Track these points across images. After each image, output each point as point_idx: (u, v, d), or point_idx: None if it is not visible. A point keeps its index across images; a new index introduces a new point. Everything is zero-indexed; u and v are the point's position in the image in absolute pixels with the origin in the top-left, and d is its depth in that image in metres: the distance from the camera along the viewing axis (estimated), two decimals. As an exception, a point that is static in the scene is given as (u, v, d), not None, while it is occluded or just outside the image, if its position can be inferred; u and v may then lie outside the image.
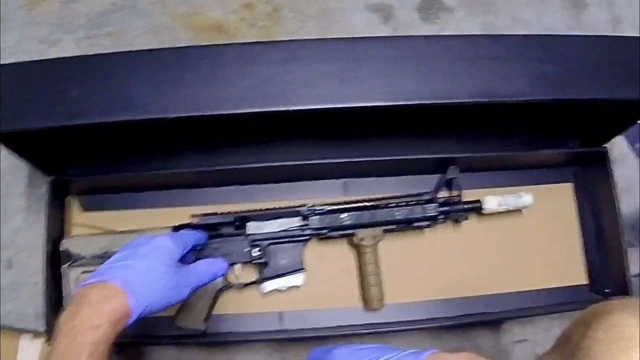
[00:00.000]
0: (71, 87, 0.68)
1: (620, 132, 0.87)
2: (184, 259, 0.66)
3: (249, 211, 0.81)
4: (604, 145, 0.87)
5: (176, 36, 0.87)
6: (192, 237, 0.71)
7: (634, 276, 0.85)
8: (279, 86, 0.67)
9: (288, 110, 0.67)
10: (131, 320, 0.54)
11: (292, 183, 0.86)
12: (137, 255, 0.59)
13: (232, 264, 0.79)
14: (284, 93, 0.67)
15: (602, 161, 0.86)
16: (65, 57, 0.75)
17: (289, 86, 0.67)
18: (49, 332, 0.76)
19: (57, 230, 0.82)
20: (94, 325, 0.51)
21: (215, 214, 0.80)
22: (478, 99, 0.68)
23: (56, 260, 0.80)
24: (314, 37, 0.73)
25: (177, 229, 0.79)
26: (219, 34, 0.86)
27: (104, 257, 0.79)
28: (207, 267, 0.66)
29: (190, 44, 0.86)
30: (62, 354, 0.49)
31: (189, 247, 0.68)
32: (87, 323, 0.50)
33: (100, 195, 0.86)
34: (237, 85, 0.67)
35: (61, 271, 0.80)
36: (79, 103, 0.67)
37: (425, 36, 0.73)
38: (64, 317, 0.52)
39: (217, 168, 0.80)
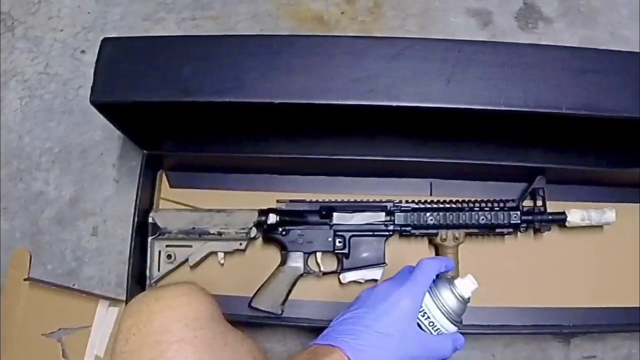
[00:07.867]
0: (184, 64, 0.70)
1: None
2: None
3: (335, 202, 0.82)
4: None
5: (278, 24, 0.88)
6: (431, 277, 0.61)
7: None
8: (386, 81, 0.68)
9: (394, 106, 0.67)
10: None
11: (379, 178, 0.87)
12: (373, 316, 0.56)
13: (314, 252, 0.81)
14: (391, 89, 0.68)
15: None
16: (177, 36, 0.78)
17: (396, 83, 0.68)
18: (128, 301, 0.78)
19: (146, 203, 0.84)
20: None
21: (303, 201, 0.82)
22: (582, 112, 0.68)
23: (143, 231, 0.83)
24: (414, 36, 0.74)
25: (262, 212, 0.81)
26: (320, 25, 0.87)
27: (190, 232, 0.82)
28: (448, 343, 0.58)
29: (292, 33, 0.87)
30: None
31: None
32: None
33: (189, 173, 0.88)
34: (345, 77, 0.68)
35: (148, 242, 0.83)
36: (191, 80, 0.69)
37: (531, 44, 0.73)
38: None
39: (307, 156, 0.82)
